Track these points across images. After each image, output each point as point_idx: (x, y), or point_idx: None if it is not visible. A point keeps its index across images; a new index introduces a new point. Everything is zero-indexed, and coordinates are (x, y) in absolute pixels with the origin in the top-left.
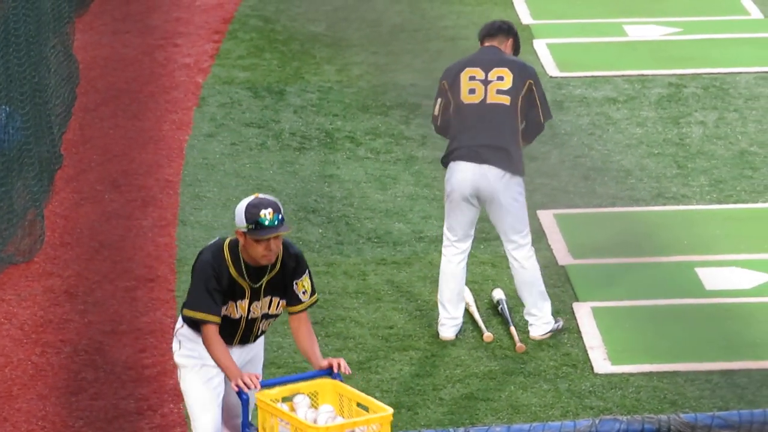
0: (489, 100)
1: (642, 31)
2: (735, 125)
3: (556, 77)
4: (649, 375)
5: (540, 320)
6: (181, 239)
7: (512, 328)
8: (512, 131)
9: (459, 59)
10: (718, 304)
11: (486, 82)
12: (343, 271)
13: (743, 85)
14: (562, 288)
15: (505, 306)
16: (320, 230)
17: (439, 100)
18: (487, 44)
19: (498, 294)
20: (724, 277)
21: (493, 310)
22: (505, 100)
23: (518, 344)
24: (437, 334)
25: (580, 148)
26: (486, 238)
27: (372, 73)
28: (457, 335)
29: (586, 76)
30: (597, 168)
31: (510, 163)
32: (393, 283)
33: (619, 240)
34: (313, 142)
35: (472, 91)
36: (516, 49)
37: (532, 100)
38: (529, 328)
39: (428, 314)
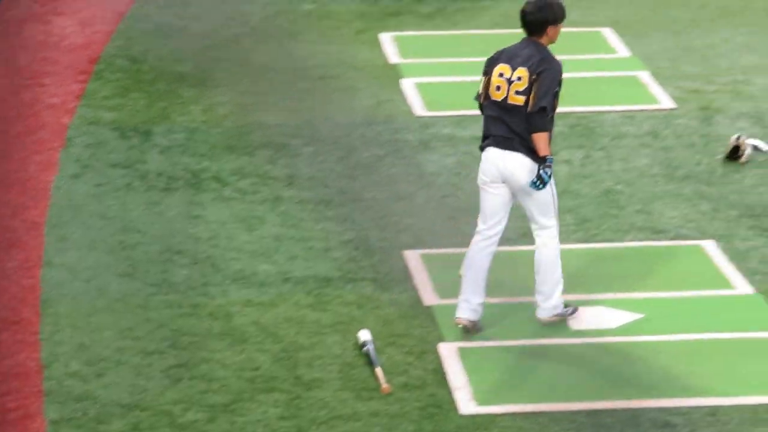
0: (509, 100)
1: None
2: (601, 164)
3: (423, 116)
4: (514, 416)
5: (548, 302)
6: (46, 281)
7: (378, 369)
8: (522, 129)
9: (507, 47)
10: (584, 343)
11: (509, 82)
12: (208, 312)
13: (609, 124)
14: (428, 328)
15: (371, 347)
16: (185, 271)
17: (483, 78)
18: (526, 38)
19: (364, 335)
20: (590, 317)
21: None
22: (521, 101)
23: (383, 385)
24: (303, 375)
25: (446, 187)
26: (352, 279)
27: (238, 113)
28: (474, 322)
29: (454, 116)
30: (464, 208)
31: (531, 151)
32: (259, 325)
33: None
34: (179, 183)
35: (498, 88)
36: (553, 26)
37: (534, 91)
38: (537, 311)
39: (294, 356)
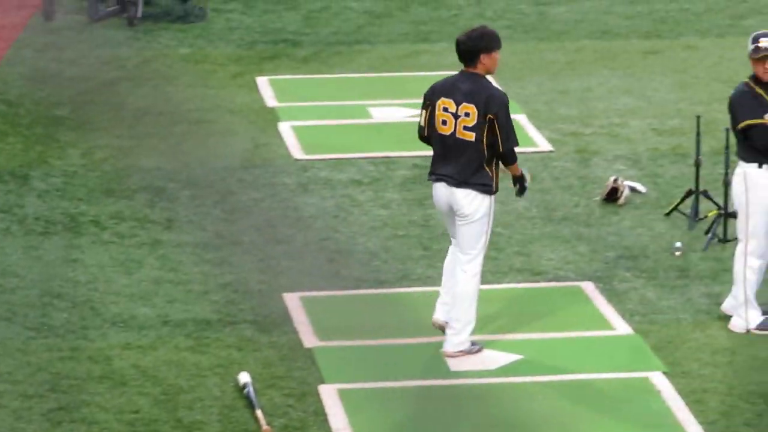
0: (458, 135)
1: (386, 112)
2: None
3: (301, 160)
4: None
5: (457, 337)
6: None
7: (258, 412)
8: (478, 164)
9: (444, 79)
10: (464, 384)
11: (456, 116)
12: (88, 355)
13: None
14: (308, 370)
15: (251, 389)
16: (65, 315)
17: (423, 112)
18: (463, 70)
19: (244, 377)
20: (470, 358)
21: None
22: (470, 136)
23: (264, 427)
24: (184, 418)
25: (325, 230)
26: (232, 321)
27: (116, 157)
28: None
29: (331, 159)
30: (342, 250)
31: (476, 184)
32: (139, 368)
33: (366, 322)
34: (58, 227)
35: (444, 123)
36: (487, 54)
37: (494, 132)
38: (444, 343)
39: (174, 398)
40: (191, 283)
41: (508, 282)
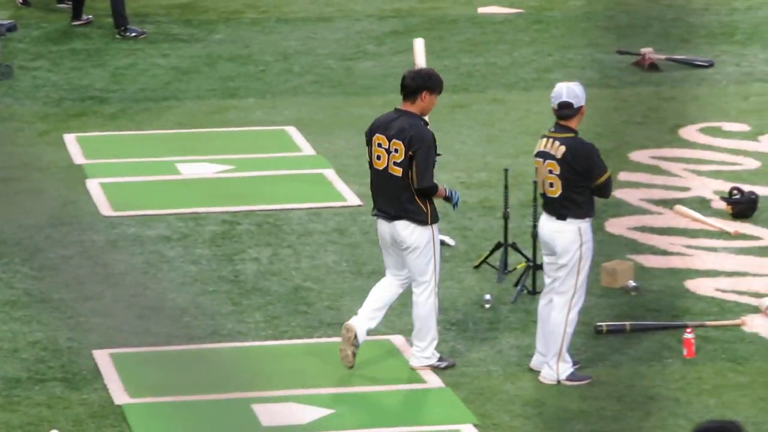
0: (389, 170)
1: (195, 168)
2: (289, 261)
3: (109, 216)
4: None
5: (421, 353)
6: None
7: None
8: (409, 197)
9: (382, 115)
10: None
11: (388, 152)
12: None
13: (296, 221)
14: (119, 428)
15: None
16: None
17: (367, 149)
18: (398, 107)
19: None
20: (281, 413)
21: None
22: (398, 171)
23: None
24: None
25: (134, 287)
26: (41, 379)
27: None
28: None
29: (140, 215)
30: (152, 306)
31: (412, 216)
32: None
33: (176, 378)
34: None
35: (378, 158)
36: (429, 93)
37: (413, 167)
38: (410, 358)
39: None
40: (0, 341)
41: (319, 336)
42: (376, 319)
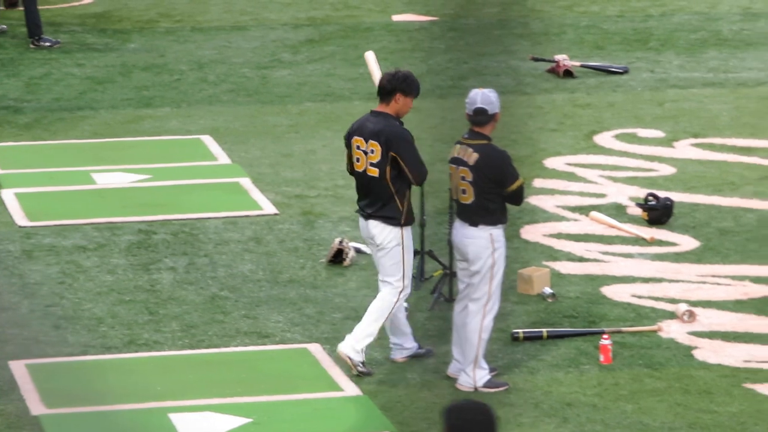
0: (368, 172)
1: (110, 178)
2: (205, 270)
3: (25, 227)
4: None
5: (353, 340)
6: None
7: None
8: (387, 198)
9: (359, 118)
10: None
11: (366, 153)
12: None
13: (212, 230)
14: None
15: None
16: None
17: (347, 151)
18: (374, 109)
19: None
20: (198, 423)
21: None
22: (375, 172)
23: None
24: None
25: (50, 297)
26: None
27: None
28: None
29: (56, 225)
30: (68, 317)
31: (383, 218)
32: None
33: (93, 388)
34: None
35: (357, 160)
36: (403, 95)
37: (400, 167)
38: (341, 343)
39: None
40: None
41: (236, 345)
42: (399, 338)
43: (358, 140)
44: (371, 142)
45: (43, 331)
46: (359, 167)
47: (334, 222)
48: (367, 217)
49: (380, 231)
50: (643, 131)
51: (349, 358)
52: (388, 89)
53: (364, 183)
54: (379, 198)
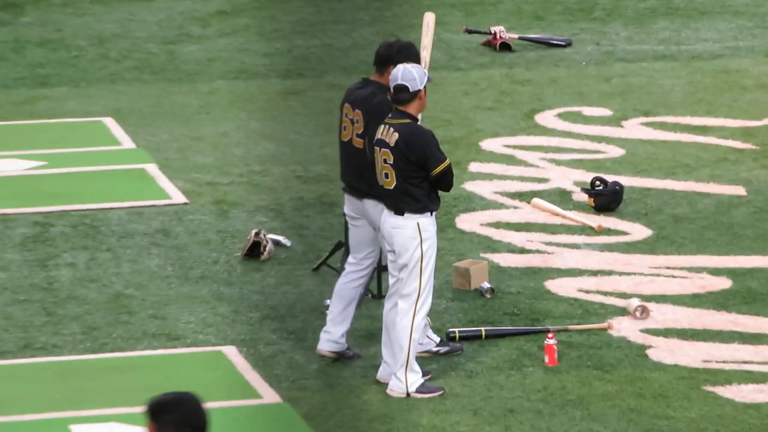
0: (353, 142)
1: (2, 165)
2: (108, 266)
3: None
4: None
5: (328, 336)
6: None
7: None
8: (372, 172)
9: (355, 83)
10: None
11: (353, 122)
12: None
13: (116, 222)
14: None
15: None
16: None
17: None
18: (366, 77)
19: None
20: None
21: None
22: (360, 144)
23: None
24: None
25: None
26: None
27: None
28: (337, 353)
29: None
30: None
31: (378, 196)
32: None
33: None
34: None
35: (344, 128)
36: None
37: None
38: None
39: None
40: None
41: (143, 348)
42: (347, 320)
43: (347, 108)
44: (356, 111)
45: None
46: (345, 136)
47: (250, 212)
48: (363, 196)
49: (380, 210)
50: (589, 109)
51: (334, 353)
52: (383, 58)
53: (349, 154)
54: (366, 174)
